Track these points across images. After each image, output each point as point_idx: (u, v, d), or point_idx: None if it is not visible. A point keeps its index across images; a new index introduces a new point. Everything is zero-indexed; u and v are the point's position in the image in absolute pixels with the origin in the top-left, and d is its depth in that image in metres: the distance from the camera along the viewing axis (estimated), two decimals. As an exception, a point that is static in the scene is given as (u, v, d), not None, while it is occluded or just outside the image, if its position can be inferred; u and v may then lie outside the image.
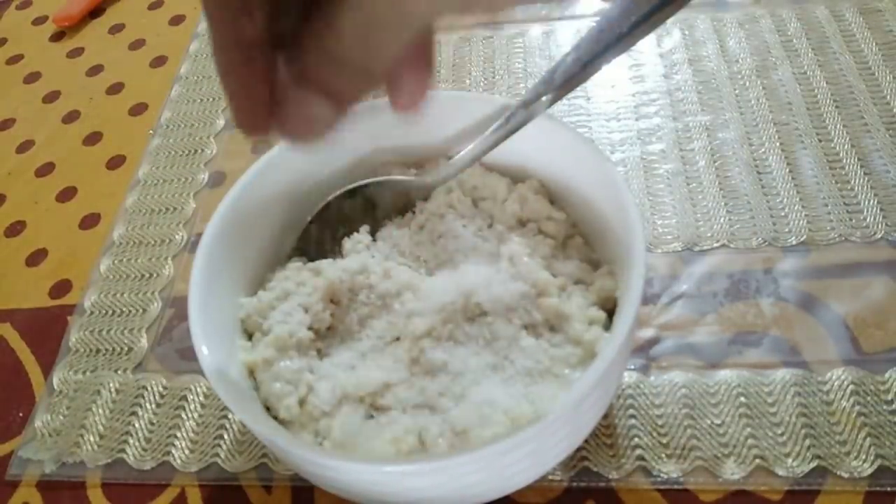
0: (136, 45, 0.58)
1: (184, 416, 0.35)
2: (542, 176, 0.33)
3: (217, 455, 0.33)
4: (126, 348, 0.38)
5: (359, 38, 0.18)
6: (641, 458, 0.31)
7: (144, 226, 0.44)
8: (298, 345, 0.29)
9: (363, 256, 0.32)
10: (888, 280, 0.35)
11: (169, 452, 0.34)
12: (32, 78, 0.57)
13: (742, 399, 0.32)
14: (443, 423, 0.27)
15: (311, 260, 0.33)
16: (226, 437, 0.34)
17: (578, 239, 0.33)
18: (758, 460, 0.30)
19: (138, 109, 0.52)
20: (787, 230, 0.37)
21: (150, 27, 0.59)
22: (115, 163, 0.49)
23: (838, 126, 0.41)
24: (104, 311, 0.40)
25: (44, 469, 0.34)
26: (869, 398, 0.31)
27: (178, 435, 0.34)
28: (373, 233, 0.33)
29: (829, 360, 0.32)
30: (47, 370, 0.38)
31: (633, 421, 0.32)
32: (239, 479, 0.33)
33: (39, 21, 0.62)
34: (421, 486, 0.25)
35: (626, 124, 0.44)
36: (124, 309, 0.40)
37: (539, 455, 0.26)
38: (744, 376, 0.32)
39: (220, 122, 0.50)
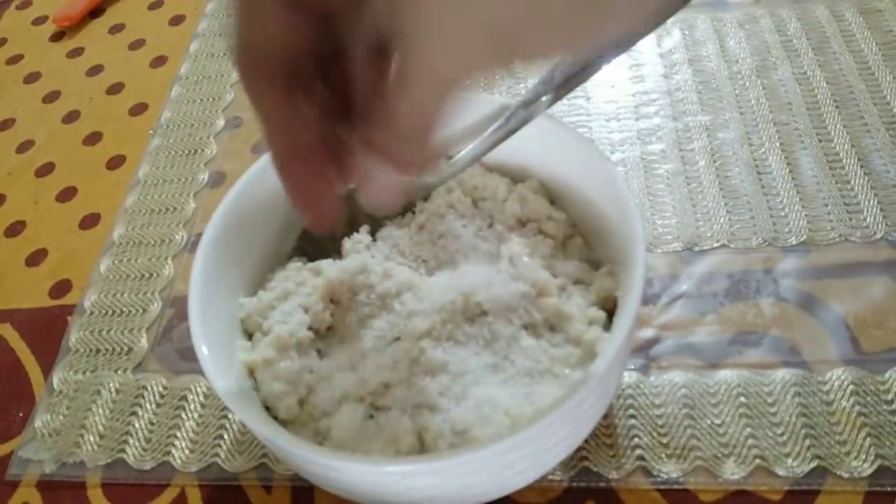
0: (136, 45, 0.58)
1: (184, 416, 0.35)
2: (542, 176, 0.33)
3: (217, 455, 0.33)
4: (126, 348, 0.38)
5: (410, 116, 0.19)
6: (641, 458, 0.31)
7: (144, 226, 0.44)
8: (298, 345, 0.29)
9: (363, 256, 0.32)
10: (888, 280, 0.35)
11: (169, 452, 0.34)
12: (32, 78, 0.57)
13: (742, 399, 0.32)
14: (443, 423, 0.26)
15: (311, 260, 0.33)
16: (226, 437, 0.34)
17: (578, 239, 0.33)
18: (758, 460, 0.30)
19: (138, 109, 0.52)
20: (787, 230, 0.37)
21: (150, 27, 0.59)
22: (115, 163, 0.49)
23: (838, 126, 0.41)
24: (104, 311, 0.40)
25: (44, 469, 0.34)
26: (869, 398, 0.31)
27: (178, 435, 0.34)
28: (373, 233, 0.33)
29: (829, 360, 0.32)
30: (47, 370, 0.38)
31: (633, 421, 0.32)
32: (239, 479, 0.33)
33: (39, 21, 0.62)
34: (421, 486, 0.25)
35: (626, 124, 0.44)
36: (124, 309, 0.40)
37: (539, 455, 0.26)
38: (744, 376, 0.32)
39: (220, 122, 0.49)
